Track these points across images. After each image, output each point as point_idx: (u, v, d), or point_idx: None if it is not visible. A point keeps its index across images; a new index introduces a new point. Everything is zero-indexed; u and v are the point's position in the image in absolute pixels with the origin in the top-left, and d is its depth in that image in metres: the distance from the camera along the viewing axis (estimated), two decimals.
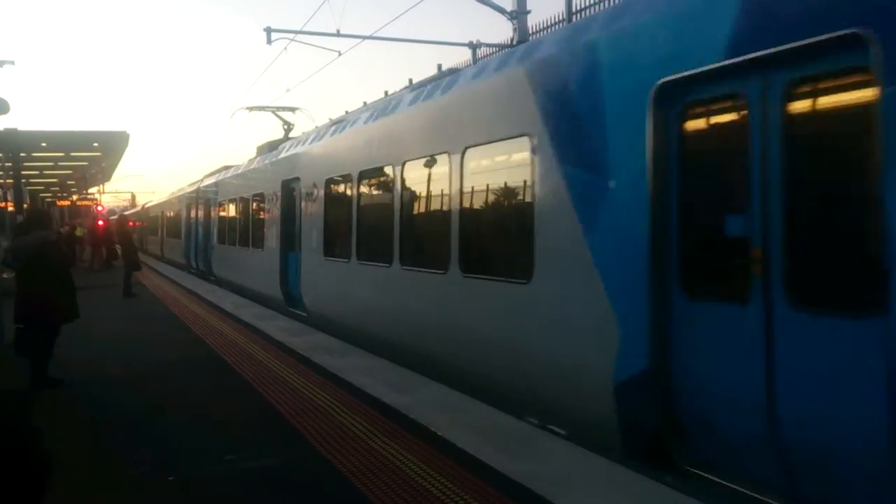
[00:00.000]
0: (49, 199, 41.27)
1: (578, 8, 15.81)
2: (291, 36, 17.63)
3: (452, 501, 4.59)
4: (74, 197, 43.02)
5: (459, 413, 6.52)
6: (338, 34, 17.08)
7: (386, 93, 12.44)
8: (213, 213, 23.44)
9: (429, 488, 4.81)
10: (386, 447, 5.66)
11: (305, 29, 17.55)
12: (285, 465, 5.40)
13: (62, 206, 41.20)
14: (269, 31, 17.19)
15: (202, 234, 25.25)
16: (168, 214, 36.26)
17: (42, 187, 36.67)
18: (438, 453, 5.46)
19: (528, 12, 16.84)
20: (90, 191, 43.65)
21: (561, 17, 16.70)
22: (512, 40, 16.14)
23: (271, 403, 7.09)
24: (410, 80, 11.45)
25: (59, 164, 27.01)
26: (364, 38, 17.46)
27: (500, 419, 6.33)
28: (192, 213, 27.45)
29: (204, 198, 25.22)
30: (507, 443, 5.64)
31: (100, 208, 45.43)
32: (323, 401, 7.14)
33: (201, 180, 27.19)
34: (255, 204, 17.97)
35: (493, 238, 7.78)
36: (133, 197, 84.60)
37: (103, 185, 44.84)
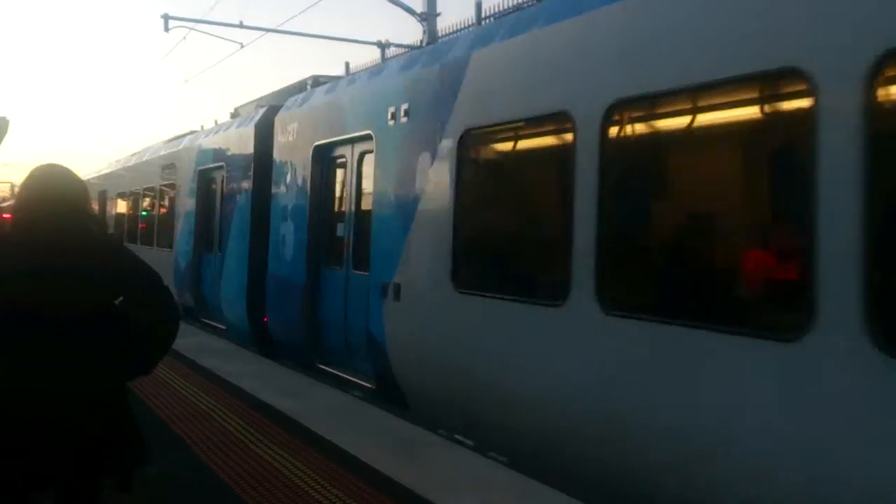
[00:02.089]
0: None
1: (488, 13, 15.88)
2: (191, 25, 17.01)
3: None
4: None
5: (350, 417, 6.38)
6: (241, 25, 16.58)
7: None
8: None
9: (314, 495, 4.62)
10: (271, 453, 5.43)
11: (206, 18, 16.97)
12: (164, 473, 5.07)
13: None
14: (166, 18, 16.53)
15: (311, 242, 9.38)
16: (127, 200, 19.10)
17: None
18: (326, 459, 5.29)
19: (438, 14, 16.85)
20: None
21: (471, 22, 16.78)
22: (422, 42, 16.08)
23: (151, 408, 6.72)
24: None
25: None
26: (267, 30, 17.02)
27: (391, 423, 6.22)
28: (241, 187, 11.39)
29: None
30: (397, 447, 5.54)
31: None
32: (208, 406, 6.82)
33: (306, 91, 10.73)
34: None
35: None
36: (12, 187, 79.90)
37: None
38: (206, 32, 17.63)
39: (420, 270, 6.99)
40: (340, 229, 8.78)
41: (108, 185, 20.94)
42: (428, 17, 16.68)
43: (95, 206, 20.50)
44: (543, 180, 6.24)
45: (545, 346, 5.50)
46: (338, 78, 11.03)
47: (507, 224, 6.51)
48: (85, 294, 2.91)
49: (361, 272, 8.10)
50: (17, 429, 2.77)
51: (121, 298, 3.07)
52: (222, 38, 17.70)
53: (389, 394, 7.36)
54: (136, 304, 3.09)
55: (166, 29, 16.67)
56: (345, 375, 8.33)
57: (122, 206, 19.44)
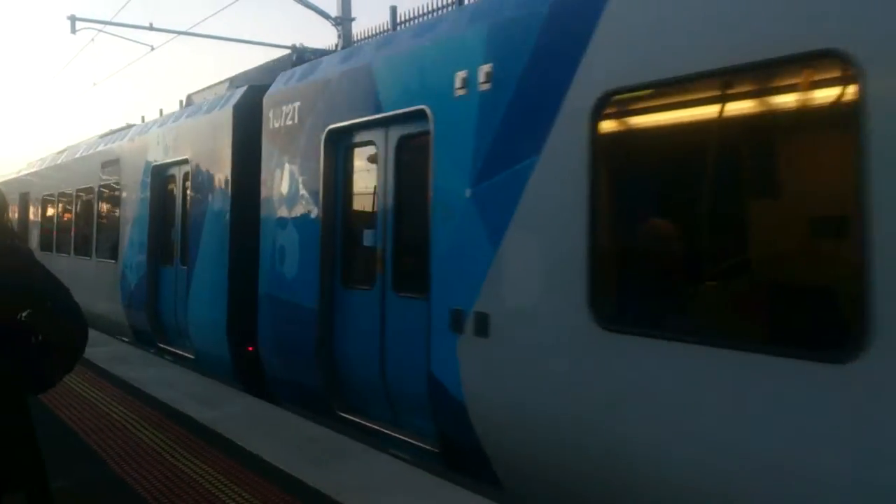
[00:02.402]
0: None
1: (404, 19, 16.04)
2: (99, 27, 16.54)
3: None
4: None
5: (270, 426, 6.39)
6: (151, 28, 16.23)
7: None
8: None
9: None
10: (188, 464, 5.42)
11: (115, 20, 16.55)
12: (77, 486, 5.02)
13: None
14: (73, 19, 16.01)
15: None
16: (56, 203, 16.47)
17: None
18: (244, 468, 5.31)
19: (353, 19, 16.87)
20: None
21: (386, 27, 16.90)
22: (337, 46, 16.10)
23: (63, 420, 6.59)
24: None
25: None
26: (178, 33, 16.71)
27: (311, 431, 6.26)
28: None
29: None
30: (317, 455, 5.59)
31: None
32: (122, 417, 6.72)
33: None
34: None
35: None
36: None
37: None
38: (115, 34, 17.13)
39: (525, 295, 4.93)
40: (369, 238, 6.74)
41: (30, 188, 18.58)
42: (342, 22, 16.69)
43: (15, 212, 19.10)
44: (774, 159, 3.99)
45: (809, 428, 3.37)
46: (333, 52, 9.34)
47: (703, 230, 4.26)
48: None
49: (409, 295, 6.20)
50: None
51: (28, 311, 3.04)
52: (132, 40, 17.27)
53: (465, 462, 5.44)
54: (44, 317, 3.06)
55: (73, 30, 16.15)
56: (386, 431, 6.35)
57: (49, 211, 16.97)
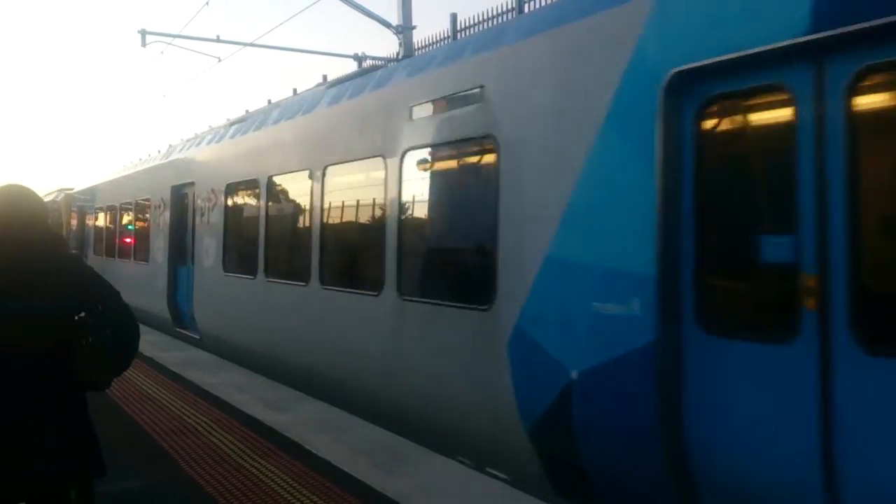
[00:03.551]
0: None
1: (463, 26, 16.08)
2: (168, 40, 17.04)
3: None
4: None
5: (338, 431, 6.43)
6: (217, 40, 16.66)
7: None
8: None
9: None
10: (259, 467, 5.49)
11: (183, 33, 17.02)
12: (150, 487, 5.14)
13: None
14: (143, 33, 16.54)
15: None
16: (260, 197, 9.83)
17: None
18: (313, 472, 5.35)
19: (414, 28, 16.98)
20: None
21: (446, 34, 16.95)
22: (398, 55, 16.23)
23: (138, 423, 6.76)
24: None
25: None
26: (244, 44, 17.08)
27: (379, 436, 6.28)
28: None
29: None
30: (384, 460, 5.61)
31: None
32: (194, 420, 6.87)
33: None
34: None
35: None
36: None
37: None
38: (183, 47, 17.62)
39: None
40: None
41: (195, 176, 12.37)
42: (403, 30, 16.81)
43: (158, 218, 14.00)
44: None
45: None
46: None
47: None
48: (49, 327, 2.94)
49: None
50: None
51: (82, 314, 3.04)
52: (200, 52, 17.73)
53: None
54: (95, 321, 3.05)
55: (143, 44, 16.68)
56: None
57: (239, 210, 10.88)
